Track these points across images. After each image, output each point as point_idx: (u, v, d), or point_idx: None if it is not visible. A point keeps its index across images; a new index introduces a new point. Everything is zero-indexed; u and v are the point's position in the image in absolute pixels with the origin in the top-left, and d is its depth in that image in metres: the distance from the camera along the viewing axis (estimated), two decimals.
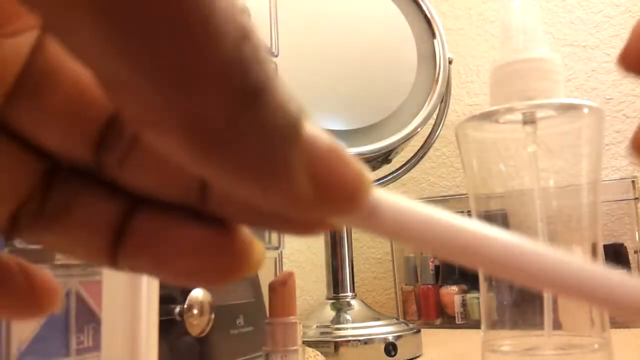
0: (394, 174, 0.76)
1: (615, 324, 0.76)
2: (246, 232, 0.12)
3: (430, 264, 0.90)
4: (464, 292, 0.86)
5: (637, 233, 0.82)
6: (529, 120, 0.41)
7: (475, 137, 0.44)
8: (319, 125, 0.10)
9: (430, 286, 0.88)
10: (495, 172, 0.44)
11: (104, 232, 0.12)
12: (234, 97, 0.08)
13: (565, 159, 0.44)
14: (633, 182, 0.82)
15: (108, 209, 0.12)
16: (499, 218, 0.46)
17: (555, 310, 0.38)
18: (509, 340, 0.42)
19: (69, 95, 0.11)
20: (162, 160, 0.11)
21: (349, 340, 0.57)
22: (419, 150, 0.77)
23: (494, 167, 0.44)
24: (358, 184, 0.10)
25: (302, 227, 0.11)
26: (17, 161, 0.12)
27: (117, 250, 0.12)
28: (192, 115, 0.08)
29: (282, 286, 0.36)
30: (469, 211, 0.88)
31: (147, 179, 0.12)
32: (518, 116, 0.41)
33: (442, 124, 0.77)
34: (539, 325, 0.39)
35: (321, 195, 0.10)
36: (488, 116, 0.42)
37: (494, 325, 0.42)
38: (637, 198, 0.82)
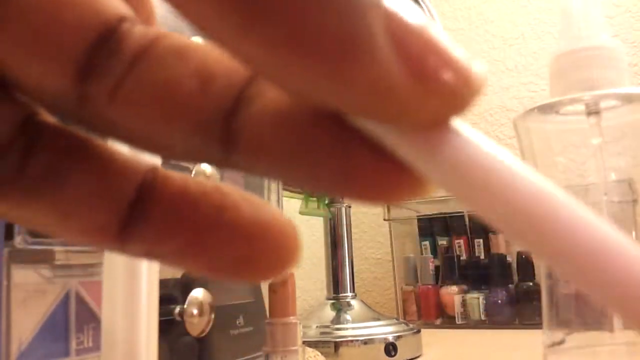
0: None
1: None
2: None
3: (430, 264, 0.90)
4: (464, 292, 0.86)
5: (634, 233, 0.82)
6: (593, 110, 0.39)
7: (536, 129, 0.42)
8: None
9: (430, 286, 0.88)
10: (557, 165, 0.42)
11: (109, 206, 0.10)
12: None
13: (631, 150, 0.41)
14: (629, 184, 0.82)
15: (120, 174, 0.10)
16: None
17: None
18: (571, 337, 0.40)
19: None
20: (171, 83, 0.09)
21: (349, 341, 0.57)
22: None
23: (556, 160, 0.42)
24: (467, 73, 0.07)
25: (372, 179, 0.08)
26: None
27: (128, 229, 0.10)
28: None
29: (282, 286, 0.36)
30: (468, 212, 0.88)
31: (149, 113, 0.09)
32: (580, 107, 0.39)
33: None
34: (602, 322, 0.38)
35: (416, 76, 0.07)
36: (549, 108, 0.40)
37: (556, 323, 0.41)
38: (635, 200, 0.82)
